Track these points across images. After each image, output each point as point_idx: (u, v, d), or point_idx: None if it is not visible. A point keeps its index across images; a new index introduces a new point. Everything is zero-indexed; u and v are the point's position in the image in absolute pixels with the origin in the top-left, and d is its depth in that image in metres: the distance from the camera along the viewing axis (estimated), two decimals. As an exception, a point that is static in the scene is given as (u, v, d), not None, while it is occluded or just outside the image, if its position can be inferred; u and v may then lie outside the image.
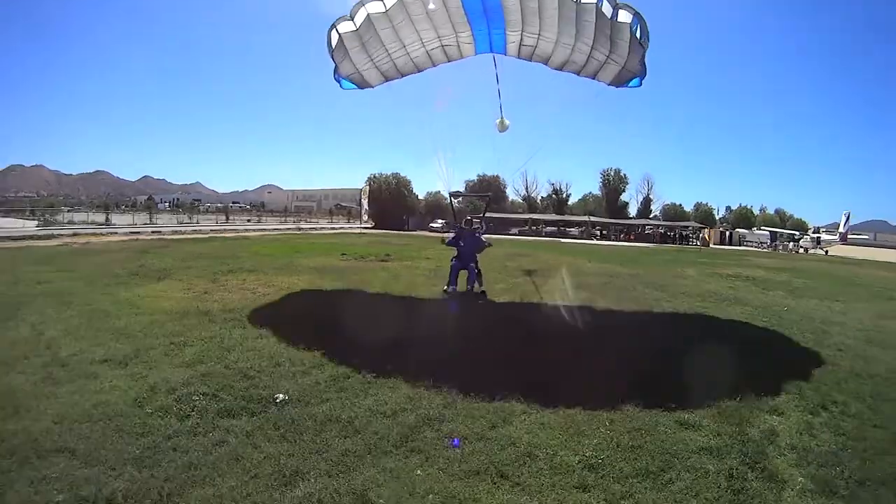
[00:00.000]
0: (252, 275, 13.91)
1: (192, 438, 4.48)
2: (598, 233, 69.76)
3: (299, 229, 48.80)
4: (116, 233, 29.93)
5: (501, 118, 11.91)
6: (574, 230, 69.86)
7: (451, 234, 12.54)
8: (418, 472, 4.21)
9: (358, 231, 53.74)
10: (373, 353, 7.00)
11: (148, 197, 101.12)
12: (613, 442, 4.96)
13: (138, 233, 31.58)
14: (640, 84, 10.06)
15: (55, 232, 27.33)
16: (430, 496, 3.88)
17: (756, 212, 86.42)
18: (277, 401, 5.35)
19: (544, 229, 69.31)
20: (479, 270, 12.23)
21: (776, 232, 66.39)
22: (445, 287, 12.00)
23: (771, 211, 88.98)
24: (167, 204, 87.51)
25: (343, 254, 21.92)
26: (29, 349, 6.69)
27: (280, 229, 47.27)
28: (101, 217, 37.52)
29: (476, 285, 12.04)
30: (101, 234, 28.16)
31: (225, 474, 3.96)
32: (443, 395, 5.73)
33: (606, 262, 25.46)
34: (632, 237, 67.66)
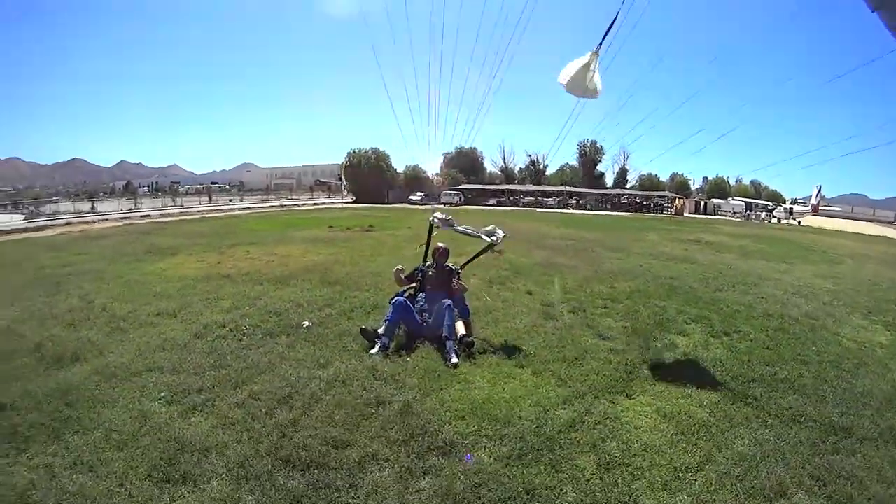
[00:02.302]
0: (254, 247, 15.48)
1: (249, 350, 6.18)
2: (575, 202, 70.73)
3: (283, 206, 50.04)
4: (107, 219, 30.58)
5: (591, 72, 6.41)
6: (551, 200, 70.80)
7: (414, 271, 7.65)
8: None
9: (340, 205, 54.99)
10: (367, 295, 8.86)
11: (126, 183, 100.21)
12: (545, 343, 6.81)
13: (129, 218, 32.17)
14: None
15: (46, 223, 27.61)
16: (419, 370, 5.67)
17: (732, 182, 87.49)
18: (304, 326, 7.12)
19: (522, 200, 70.79)
20: (465, 311, 7.10)
21: (750, 202, 67.76)
22: (368, 328, 6.57)
23: (747, 182, 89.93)
24: (146, 188, 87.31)
25: (330, 226, 23.85)
26: (88, 313, 7.87)
27: (264, 207, 48.27)
28: (86, 205, 37.70)
29: (454, 345, 6.20)
30: (93, 222, 28.71)
31: (278, 367, 5.65)
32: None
33: (574, 228, 27.80)
34: (609, 207, 68.92)
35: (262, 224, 25.72)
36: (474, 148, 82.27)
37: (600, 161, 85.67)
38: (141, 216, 33.83)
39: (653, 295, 10.06)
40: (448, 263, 7.57)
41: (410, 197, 64.50)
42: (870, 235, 35.18)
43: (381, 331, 6.40)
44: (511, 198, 71.72)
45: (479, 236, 7.47)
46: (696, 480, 3.91)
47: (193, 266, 12.09)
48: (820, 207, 61.07)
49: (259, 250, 14.74)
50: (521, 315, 8.13)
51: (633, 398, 5.35)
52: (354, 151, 70.22)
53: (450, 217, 7.80)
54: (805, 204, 62.89)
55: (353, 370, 5.55)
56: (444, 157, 79.58)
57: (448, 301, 6.63)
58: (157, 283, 10.08)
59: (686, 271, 13.48)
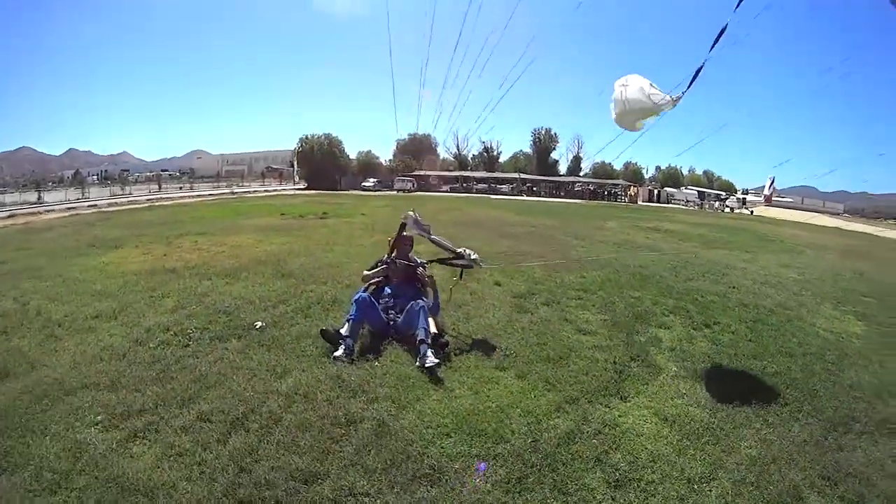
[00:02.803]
0: (203, 237, 14.40)
1: (196, 358, 5.38)
2: (529, 189, 70.74)
3: (233, 194, 48.18)
4: (54, 210, 29.02)
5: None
6: (504, 187, 70.84)
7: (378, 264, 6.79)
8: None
9: (292, 192, 53.47)
10: (325, 289, 8.12)
11: (75, 171, 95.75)
12: (524, 340, 6.28)
13: (75, 208, 30.63)
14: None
15: (-12, 216, 25.82)
16: (388, 377, 5.05)
17: (685, 172, 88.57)
18: (257, 327, 6.31)
19: (475, 186, 70.43)
20: (436, 307, 6.53)
21: (703, 192, 69.09)
22: (329, 329, 5.75)
23: (699, 172, 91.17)
24: (95, 177, 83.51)
25: (282, 213, 22.73)
26: (22, 318, 6.96)
27: (215, 194, 46.58)
28: (32, 196, 35.99)
29: (427, 351, 5.28)
30: (39, 213, 27.24)
31: (229, 378, 4.90)
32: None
33: (532, 216, 27.26)
34: (562, 194, 69.16)
35: (211, 212, 24.43)
36: (428, 134, 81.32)
37: (554, 149, 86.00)
38: (88, 206, 32.35)
39: (625, 285, 9.65)
40: (413, 256, 6.93)
41: (363, 183, 63.37)
42: (823, 227, 35.70)
43: (343, 331, 5.61)
44: (464, 184, 71.20)
45: (458, 253, 6.60)
46: (711, 491, 3.60)
47: (138, 259, 11.11)
48: (773, 198, 62.36)
49: (208, 240, 13.74)
50: (492, 308, 7.51)
51: (629, 401, 4.93)
52: (307, 137, 68.73)
53: (426, 223, 6.91)
54: (757, 194, 64.26)
55: (315, 380, 4.85)
56: (397, 144, 78.99)
57: (421, 302, 5.90)
58: (98, 279, 9.13)
59: (653, 260, 13.14)
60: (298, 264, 10.24)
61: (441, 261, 6.85)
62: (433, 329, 5.72)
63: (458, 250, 6.55)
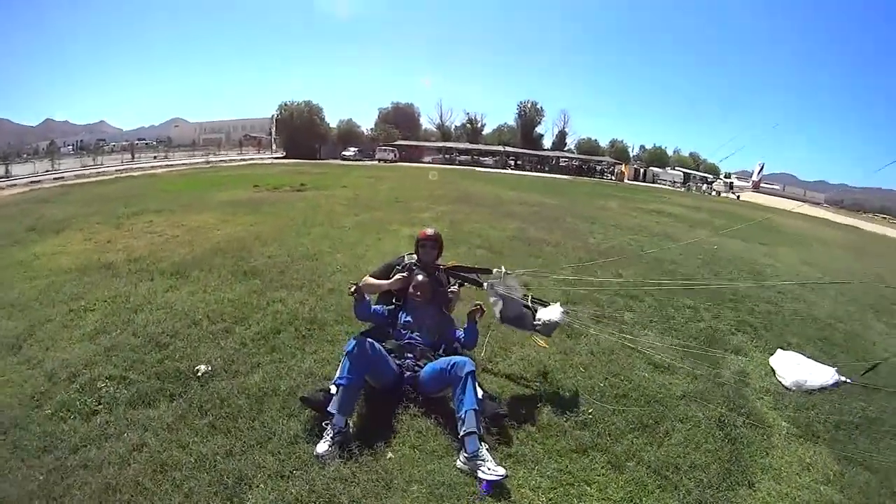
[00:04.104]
0: (159, 216, 12.11)
1: (103, 446, 3.34)
2: (513, 163, 68.21)
3: (208, 163, 44.74)
4: (16, 185, 26.45)
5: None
6: (488, 159, 68.05)
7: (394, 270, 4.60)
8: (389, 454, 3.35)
9: (269, 161, 50.24)
10: (300, 297, 6.06)
11: (50, 142, 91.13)
12: (594, 388, 4.39)
13: (39, 182, 27.52)
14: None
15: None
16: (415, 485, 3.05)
17: (670, 153, 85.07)
18: (199, 374, 4.20)
19: (457, 158, 67.28)
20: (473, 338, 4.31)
21: (689, 173, 67.40)
22: (312, 396, 3.62)
23: (685, 153, 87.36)
24: (70, 147, 79.13)
25: (256, 185, 19.99)
26: None
27: (188, 164, 43.13)
28: (1, 170, 33.14)
29: (483, 451, 3.21)
30: (1, 189, 24.52)
31: (152, 496, 2.89)
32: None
33: (529, 192, 24.85)
34: (546, 169, 66.61)
35: (179, 184, 21.59)
36: (411, 104, 79.11)
37: (539, 123, 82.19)
38: (54, 179, 29.29)
39: (670, 290, 7.83)
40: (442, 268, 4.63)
41: (343, 153, 59.51)
42: (814, 217, 34.30)
43: (332, 407, 3.36)
44: (447, 155, 68.00)
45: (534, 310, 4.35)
46: None
47: (76, 248, 8.93)
48: (761, 185, 61.33)
49: (164, 220, 11.42)
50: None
51: (757, 487, 3.40)
52: (286, 104, 65.36)
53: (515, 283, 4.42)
54: (744, 179, 63.09)
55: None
56: (380, 114, 76.42)
57: (468, 366, 3.50)
58: (17, 282, 7.01)
59: (679, 253, 11.26)
60: (266, 256, 8.09)
61: (465, 270, 4.75)
62: (479, 391, 3.55)
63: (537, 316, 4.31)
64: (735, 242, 14.18)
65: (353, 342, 3.59)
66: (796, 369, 5.14)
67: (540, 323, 4.24)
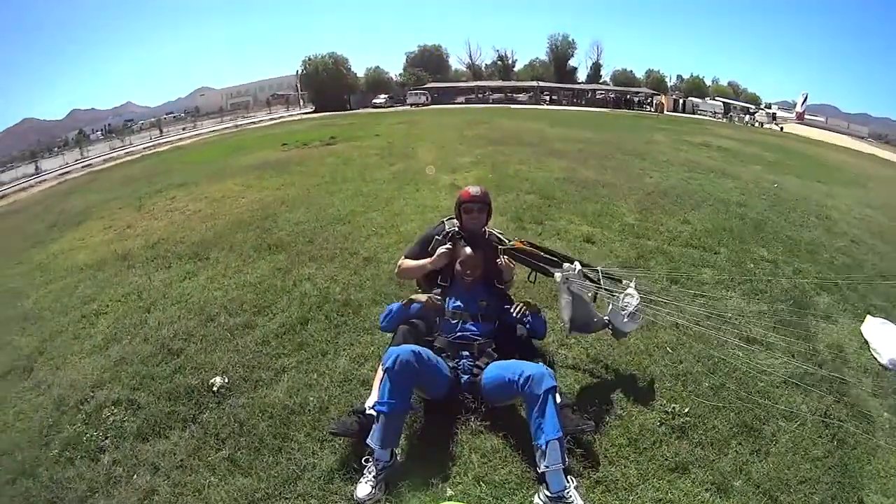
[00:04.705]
0: (182, 189, 11.53)
1: (111, 494, 2.76)
2: (548, 98, 64.69)
3: (237, 126, 44.16)
4: (46, 179, 26.61)
5: None
6: (522, 96, 64.58)
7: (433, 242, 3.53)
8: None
9: (298, 117, 49.08)
10: (330, 272, 5.32)
11: (78, 131, 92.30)
12: (683, 376, 3.56)
13: (69, 172, 27.96)
14: None
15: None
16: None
17: (708, 82, 79.23)
18: (214, 389, 3.50)
19: (490, 96, 64.12)
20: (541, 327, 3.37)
21: (729, 103, 62.40)
22: (346, 426, 2.78)
23: (724, 83, 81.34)
24: (99, 133, 79.89)
25: (284, 143, 19.02)
26: None
27: (217, 130, 42.69)
28: (31, 168, 33.52)
29: (571, 492, 2.39)
30: (31, 187, 24.91)
31: None
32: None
33: (569, 127, 22.69)
34: (583, 103, 63.04)
35: (205, 153, 20.96)
36: (439, 45, 76.07)
37: (572, 56, 76.99)
38: (83, 167, 29.72)
39: (744, 237, 6.84)
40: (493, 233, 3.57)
41: (374, 101, 57.50)
42: (859, 152, 31.07)
43: (372, 441, 2.58)
44: (479, 95, 64.99)
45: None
46: None
47: (95, 240, 8.51)
48: (805, 116, 57.01)
49: (187, 194, 10.76)
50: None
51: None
52: (310, 59, 63.16)
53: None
54: (785, 109, 59.12)
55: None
56: (407, 58, 74.17)
57: (547, 379, 2.57)
58: (35, 288, 6.62)
59: (742, 193, 9.97)
60: (293, 223, 7.30)
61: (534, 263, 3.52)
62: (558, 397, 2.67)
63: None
64: (793, 181, 12.79)
65: (394, 355, 2.66)
66: (894, 343, 4.16)
67: (623, 318, 3.27)
